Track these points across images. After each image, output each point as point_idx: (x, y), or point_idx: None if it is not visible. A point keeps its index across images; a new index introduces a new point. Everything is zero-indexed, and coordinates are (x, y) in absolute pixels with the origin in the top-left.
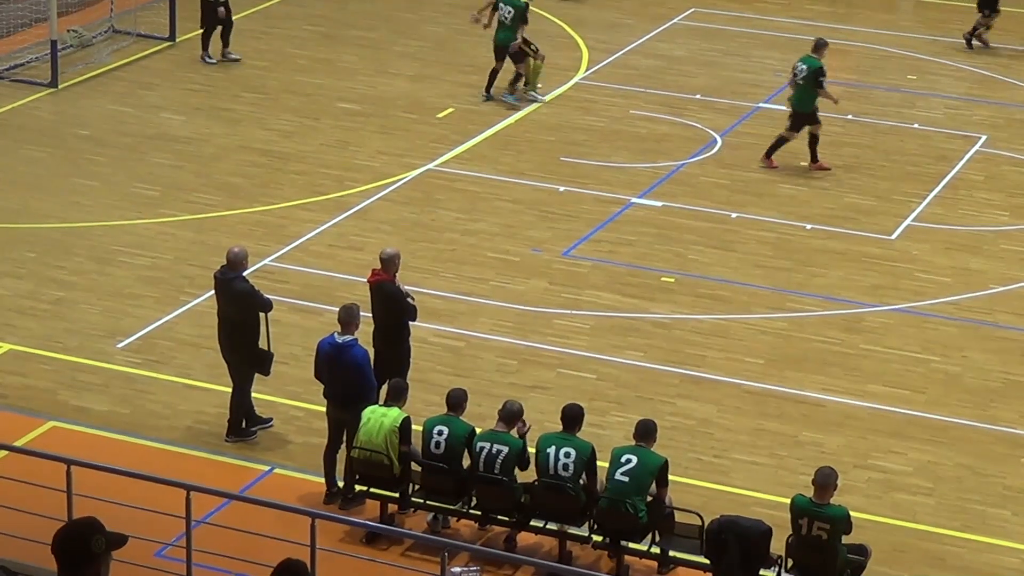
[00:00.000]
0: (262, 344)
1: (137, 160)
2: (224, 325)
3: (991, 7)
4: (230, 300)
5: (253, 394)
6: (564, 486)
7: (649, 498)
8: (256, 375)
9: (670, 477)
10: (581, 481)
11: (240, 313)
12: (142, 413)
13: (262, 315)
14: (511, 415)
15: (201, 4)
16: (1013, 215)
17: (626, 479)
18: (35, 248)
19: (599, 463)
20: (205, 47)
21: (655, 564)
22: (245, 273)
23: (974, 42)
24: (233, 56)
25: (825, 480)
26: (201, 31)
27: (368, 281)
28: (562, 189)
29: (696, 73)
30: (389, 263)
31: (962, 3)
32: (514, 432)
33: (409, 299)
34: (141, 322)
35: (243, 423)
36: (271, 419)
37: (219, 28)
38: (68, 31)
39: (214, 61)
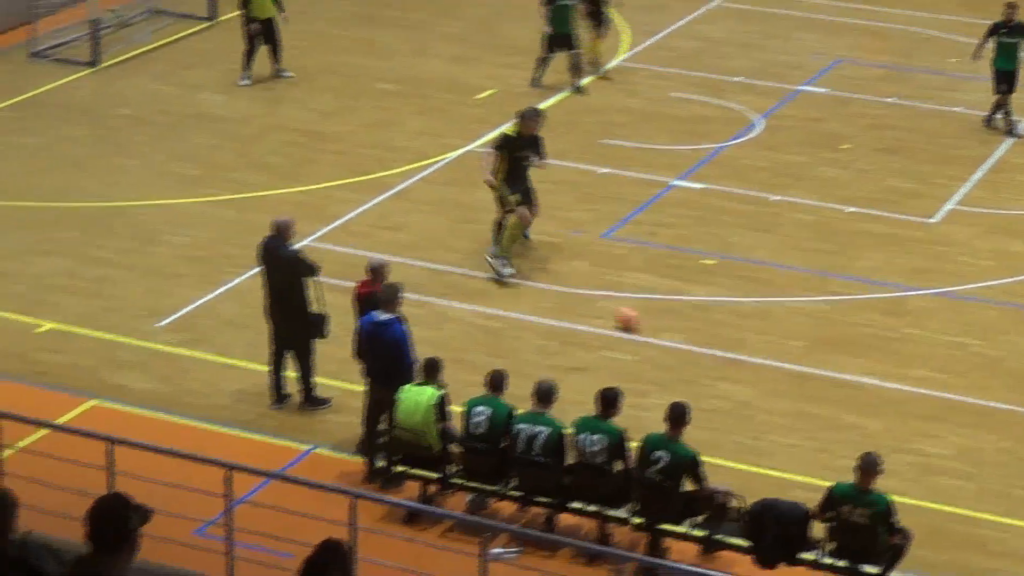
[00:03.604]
0: (314, 309)
1: (177, 139)
2: (272, 294)
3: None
4: (277, 267)
5: (286, 373)
6: (600, 468)
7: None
8: (315, 342)
9: (708, 459)
10: (618, 465)
11: (287, 279)
12: (182, 392)
13: (309, 280)
14: (545, 394)
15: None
16: None
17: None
18: (76, 227)
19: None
20: (245, 66)
21: (693, 546)
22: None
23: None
24: (287, 74)
25: (869, 466)
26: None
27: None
28: (602, 171)
29: (736, 55)
30: (378, 273)
31: None
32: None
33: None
34: (182, 301)
35: (313, 390)
36: (330, 399)
37: (265, 46)
38: (109, 11)
39: (248, 83)
